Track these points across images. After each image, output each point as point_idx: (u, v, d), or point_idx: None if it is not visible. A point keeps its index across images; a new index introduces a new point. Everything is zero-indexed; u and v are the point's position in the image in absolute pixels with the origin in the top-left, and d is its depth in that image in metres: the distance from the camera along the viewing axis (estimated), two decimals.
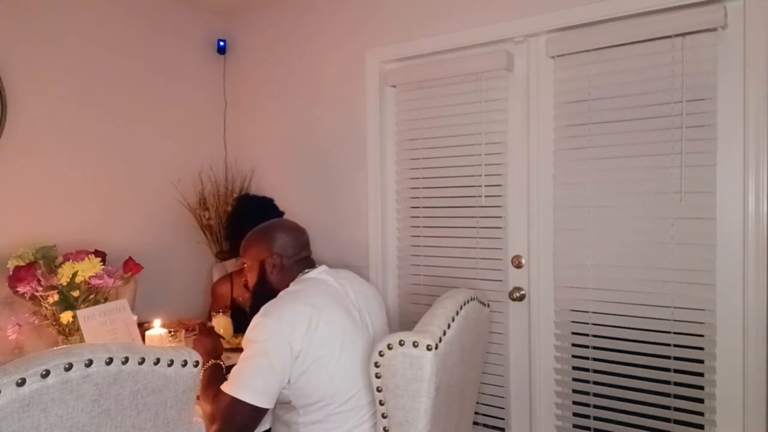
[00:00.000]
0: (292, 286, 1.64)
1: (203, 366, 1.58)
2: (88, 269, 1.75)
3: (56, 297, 1.73)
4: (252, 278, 1.74)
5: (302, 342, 1.45)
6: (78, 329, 1.70)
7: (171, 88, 3.03)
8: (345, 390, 1.52)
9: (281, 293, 1.60)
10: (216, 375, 1.57)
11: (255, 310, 1.59)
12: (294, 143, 2.99)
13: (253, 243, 1.74)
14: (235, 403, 1.40)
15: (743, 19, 1.85)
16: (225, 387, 1.43)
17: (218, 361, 1.63)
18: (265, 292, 1.68)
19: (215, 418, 1.41)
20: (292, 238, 1.72)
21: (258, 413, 1.43)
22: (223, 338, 1.99)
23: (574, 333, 2.18)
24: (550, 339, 2.24)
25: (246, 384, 1.41)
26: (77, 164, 2.63)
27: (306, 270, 1.70)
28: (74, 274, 1.73)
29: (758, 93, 1.82)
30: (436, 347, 1.37)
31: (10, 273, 1.76)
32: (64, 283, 1.73)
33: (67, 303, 1.74)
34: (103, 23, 2.72)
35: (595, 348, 2.13)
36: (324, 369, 1.49)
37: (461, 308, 1.59)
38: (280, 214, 2.43)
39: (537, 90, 2.25)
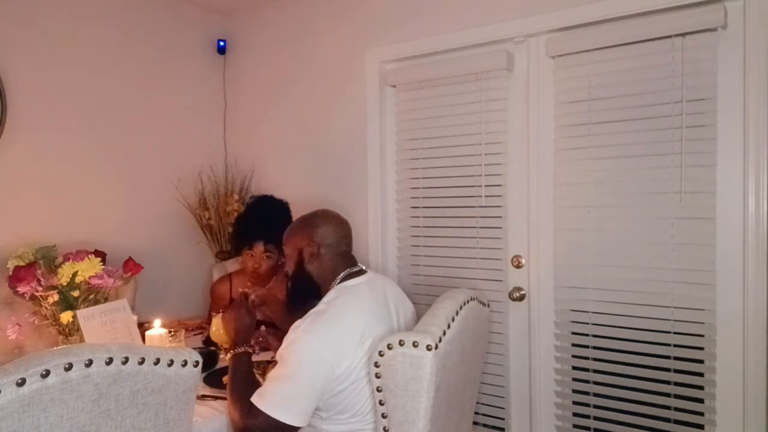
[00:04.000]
0: (333, 295, 1.57)
1: (230, 351, 1.55)
2: (88, 269, 1.75)
3: (56, 297, 1.73)
4: (290, 267, 1.69)
5: (345, 364, 1.43)
6: (78, 329, 1.70)
7: (171, 88, 3.03)
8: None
9: (324, 306, 1.53)
10: (246, 369, 1.54)
11: (293, 300, 1.62)
12: (294, 143, 2.99)
13: (293, 232, 1.71)
14: (276, 424, 1.38)
15: (743, 19, 1.85)
16: (262, 404, 1.39)
17: (248, 350, 1.60)
18: (303, 282, 1.65)
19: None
20: (332, 227, 1.67)
21: (292, 431, 1.42)
22: (219, 349, 2.00)
23: (574, 333, 2.18)
24: (550, 339, 2.24)
25: (287, 405, 1.39)
26: (77, 164, 2.64)
27: (347, 272, 1.64)
28: (74, 274, 1.73)
29: (758, 93, 1.82)
30: (436, 347, 1.37)
31: (10, 273, 1.76)
32: (64, 283, 1.73)
33: (67, 303, 1.74)
34: (102, 23, 2.72)
35: (595, 348, 2.13)
36: (365, 389, 1.48)
37: (461, 308, 1.59)
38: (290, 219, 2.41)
39: (537, 90, 2.25)
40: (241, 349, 1.58)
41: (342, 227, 1.70)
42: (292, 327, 1.48)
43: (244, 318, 1.68)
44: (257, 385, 1.53)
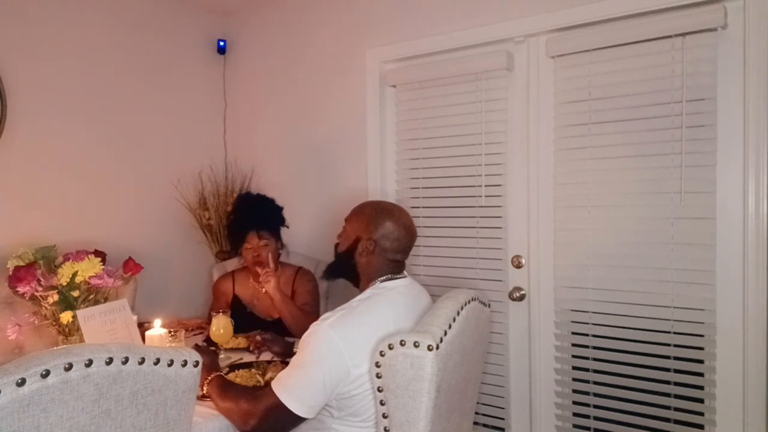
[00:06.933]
0: (368, 294, 1.56)
1: (205, 380, 1.58)
2: (88, 269, 1.75)
3: (56, 297, 1.73)
4: (343, 245, 1.68)
5: (363, 368, 1.43)
6: (78, 329, 1.70)
7: (171, 88, 3.03)
8: None
9: (357, 303, 1.52)
10: (226, 381, 1.59)
11: (330, 272, 1.68)
12: (294, 143, 2.99)
13: (361, 214, 1.66)
14: (281, 407, 1.39)
15: (743, 19, 1.85)
16: (274, 384, 1.42)
17: (219, 373, 1.64)
18: (348, 265, 1.65)
19: (253, 415, 1.42)
20: (400, 235, 1.61)
21: (298, 421, 1.43)
22: (219, 349, 2.02)
23: (574, 333, 2.18)
24: (550, 339, 2.24)
25: (295, 393, 1.40)
26: (77, 164, 2.64)
27: (390, 276, 1.62)
28: (74, 274, 1.73)
29: (758, 93, 1.82)
30: (437, 347, 1.37)
31: (10, 273, 1.76)
32: (64, 283, 1.72)
33: (67, 303, 1.74)
34: (102, 23, 2.72)
35: (595, 348, 2.13)
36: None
37: (462, 308, 1.59)
38: (280, 210, 2.43)
39: (537, 90, 2.25)
40: (212, 376, 1.59)
41: (407, 237, 1.64)
42: (322, 317, 1.47)
43: (203, 359, 1.68)
44: (238, 385, 1.58)
